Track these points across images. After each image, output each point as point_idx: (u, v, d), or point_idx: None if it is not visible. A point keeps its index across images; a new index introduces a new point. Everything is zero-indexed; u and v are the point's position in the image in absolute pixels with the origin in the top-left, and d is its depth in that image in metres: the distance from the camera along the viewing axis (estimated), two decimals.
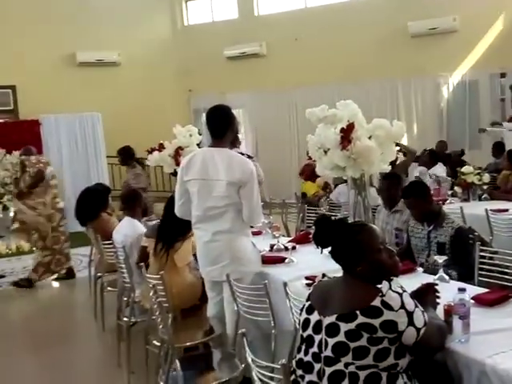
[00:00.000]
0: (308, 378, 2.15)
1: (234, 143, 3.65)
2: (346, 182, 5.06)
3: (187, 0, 13.44)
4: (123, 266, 4.27)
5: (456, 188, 6.41)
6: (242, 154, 4.05)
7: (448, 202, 6.12)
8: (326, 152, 3.40)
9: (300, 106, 11.64)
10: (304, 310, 2.29)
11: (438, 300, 2.45)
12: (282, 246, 4.09)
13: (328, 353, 2.10)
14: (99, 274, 5.32)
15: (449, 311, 2.32)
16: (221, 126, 3.49)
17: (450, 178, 6.88)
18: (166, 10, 13.37)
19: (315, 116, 3.30)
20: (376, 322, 2.04)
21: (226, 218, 3.42)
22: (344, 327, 2.07)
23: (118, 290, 4.65)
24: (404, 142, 11.49)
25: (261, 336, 3.40)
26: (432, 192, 6.52)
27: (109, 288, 5.02)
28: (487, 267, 3.49)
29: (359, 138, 3.23)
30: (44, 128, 10.97)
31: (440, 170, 7.19)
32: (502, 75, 10.93)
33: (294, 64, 11.86)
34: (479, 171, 6.19)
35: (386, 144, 3.41)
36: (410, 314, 2.07)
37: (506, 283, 3.26)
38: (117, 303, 4.62)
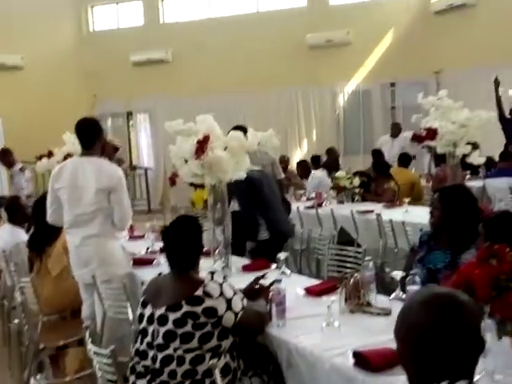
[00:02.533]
0: (143, 363, 2.44)
1: (103, 152, 3.96)
2: None
3: (93, 5, 13.50)
4: (6, 269, 4.39)
5: (331, 191, 6.94)
6: (119, 160, 4.33)
7: (324, 204, 6.64)
8: (186, 161, 3.83)
9: (204, 112, 11.93)
10: (140, 304, 2.55)
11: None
12: (157, 249, 4.23)
13: (159, 340, 2.39)
14: None
15: (270, 300, 2.66)
16: (89, 137, 3.77)
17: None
18: (71, 14, 13.34)
19: (172, 129, 3.73)
20: (198, 309, 2.36)
21: (95, 223, 3.67)
22: (172, 316, 2.37)
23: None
24: (304, 147, 12.30)
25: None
26: (314, 195, 7.18)
27: None
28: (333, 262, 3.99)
29: (213, 149, 3.68)
30: None
31: (320, 174, 7.81)
32: (392, 85, 11.78)
33: (198, 71, 12.18)
34: (350, 176, 6.71)
35: (239, 154, 3.85)
36: (228, 301, 2.41)
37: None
38: None
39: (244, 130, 3.96)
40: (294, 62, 11.76)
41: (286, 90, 12.21)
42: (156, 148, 13.19)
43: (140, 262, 4.10)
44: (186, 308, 2.38)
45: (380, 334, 2.37)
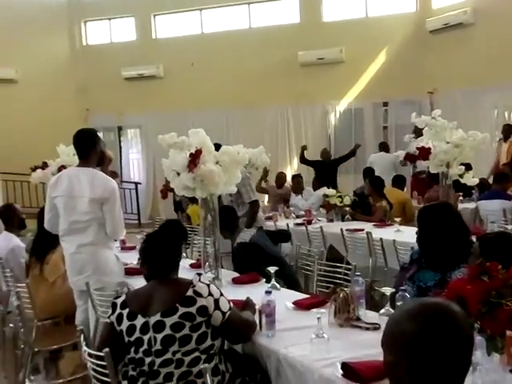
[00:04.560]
0: (139, 369, 2.46)
1: (100, 163, 4.04)
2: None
3: (86, 20, 13.62)
4: (1, 275, 4.47)
5: (321, 209, 6.95)
6: (113, 173, 4.42)
7: (314, 221, 6.64)
8: (178, 174, 3.87)
9: (195, 127, 11.91)
10: (124, 318, 2.51)
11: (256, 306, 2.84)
12: None
13: (157, 347, 2.42)
14: None
15: (260, 312, 2.74)
16: (85, 148, 3.87)
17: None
18: (64, 29, 13.46)
19: (166, 142, 3.77)
20: (193, 310, 2.43)
21: (89, 232, 3.77)
22: (168, 321, 2.42)
23: None
24: (294, 165, 12.35)
25: None
26: (304, 212, 7.17)
27: None
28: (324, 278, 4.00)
29: (205, 163, 3.72)
30: None
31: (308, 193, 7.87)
32: (385, 104, 11.76)
33: (190, 87, 12.24)
34: (340, 194, 6.70)
35: (231, 168, 3.90)
36: (216, 300, 2.48)
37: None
38: None
39: (218, 146, 3.99)
40: (285, 79, 11.81)
41: (277, 107, 12.24)
42: (146, 163, 13.24)
43: (132, 272, 4.16)
44: (181, 310, 2.43)
45: (369, 348, 2.39)
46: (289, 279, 4.09)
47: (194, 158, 3.67)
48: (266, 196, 9.20)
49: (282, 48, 11.87)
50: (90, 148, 3.88)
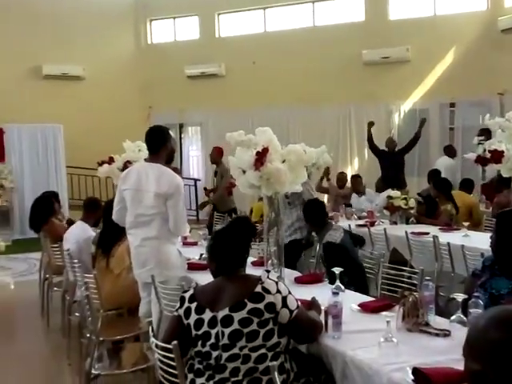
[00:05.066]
0: (205, 362, 2.48)
1: (169, 160, 4.12)
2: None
3: (152, 19, 13.91)
4: (69, 265, 4.62)
5: (384, 211, 6.72)
6: (175, 169, 4.49)
7: (376, 223, 6.51)
8: (244, 172, 3.88)
9: (256, 126, 11.93)
10: (192, 312, 2.54)
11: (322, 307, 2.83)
12: None
13: (225, 341, 2.43)
14: (47, 276, 5.70)
15: (326, 312, 2.71)
16: (156, 144, 3.98)
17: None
18: (130, 27, 13.79)
19: (234, 139, 3.79)
20: (261, 306, 2.43)
21: (153, 226, 3.85)
22: (237, 316, 2.44)
23: (62, 290, 5.07)
24: (355, 165, 12.17)
25: None
26: (366, 214, 7.04)
27: (55, 288, 5.40)
28: (389, 282, 3.89)
29: (271, 161, 3.72)
30: (7, 137, 11.26)
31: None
32: (452, 105, 11.40)
33: (251, 85, 12.29)
34: (405, 196, 6.51)
35: (297, 167, 3.87)
36: (283, 298, 2.48)
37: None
38: (61, 302, 5.03)
39: None
40: (348, 78, 11.70)
41: (338, 106, 12.08)
42: (206, 160, 13.37)
43: (195, 267, 4.25)
44: (249, 306, 2.44)
45: (439, 354, 2.35)
46: (361, 287, 4.01)
47: (261, 157, 3.67)
48: (325, 196, 9.10)
49: (345, 47, 11.74)
50: (160, 144, 3.98)
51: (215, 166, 7.68)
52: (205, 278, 3.72)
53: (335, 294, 2.74)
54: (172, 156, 4.21)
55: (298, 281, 3.81)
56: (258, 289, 2.48)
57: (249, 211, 7.93)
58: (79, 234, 5.00)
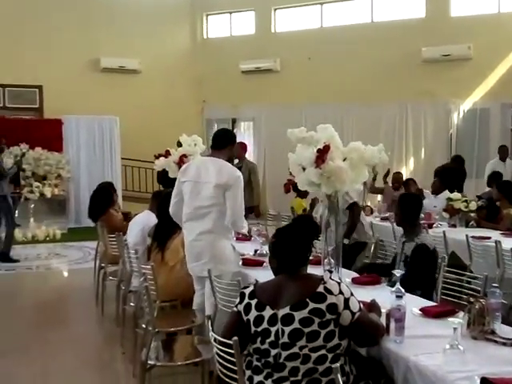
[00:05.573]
0: (264, 360, 2.47)
1: (229, 161, 4.14)
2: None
3: (208, 14, 14.01)
4: (127, 256, 4.70)
5: (443, 213, 6.50)
6: None
7: (435, 225, 6.30)
8: (304, 169, 3.83)
9: (309, 122, 11.87)
10: (253, 308, 2.53)
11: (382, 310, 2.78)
12: (265, 252, 4.32)
13: (285, 339, 2.40)
14: (102, 265, 5.83)
15: (387, 315, 2.64)
16: (224, 141, 4.06)
17: None
18: (187, 22, 13.95)
19: (295, 136, 3.74)
20: (323, 306, 2.40)
21: (210, 219, 3.87)
22: (298, 315, 2.42)
23: (117, 280, 5.16)
24: (410, 165, 11.90)
25: None
26: (423, 215, 6.86)
27: (110, 277, 5.51)
28: (449, 286, 3.78)
29: (333, 159, 3.66)
30: (65, 128, 11.58)
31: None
32: None
33: (305, 81, 12.26)
34: (466, 198, 6.31)
35: (358, 166, 3.79)
36: (346, 300, 2.44)
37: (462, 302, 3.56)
38: (116, 292, 5.13)
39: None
40: (406, 75, 11.53)
41: (395, 104, 11.90)
42: (258, 155, 13.39)
43: (250, 263, 4.23)
44: (311, 305, 2.41)
45: (508, 364, 2.27)
46: (426, 292, 3.90)
47: (323, 154, 3.61)
48: (378, 196, 8.94)
49: (404, 43, 11.57)
50: (228, 142, 4.07)
51: (237, 161, 7.63)
52: (260, 275, 3.76)
53: (399, 297, 2.67)
54: (232, 158, 4.30)
55: (355, 281, 3.74)
56: (320, 289, 2.44)
57: (289, 208, 7.82)
58: (145, 221, 5.04)
